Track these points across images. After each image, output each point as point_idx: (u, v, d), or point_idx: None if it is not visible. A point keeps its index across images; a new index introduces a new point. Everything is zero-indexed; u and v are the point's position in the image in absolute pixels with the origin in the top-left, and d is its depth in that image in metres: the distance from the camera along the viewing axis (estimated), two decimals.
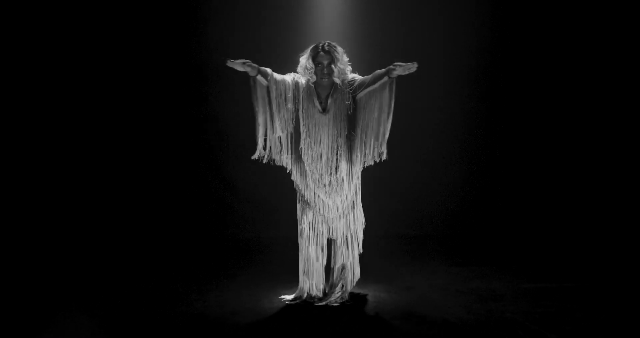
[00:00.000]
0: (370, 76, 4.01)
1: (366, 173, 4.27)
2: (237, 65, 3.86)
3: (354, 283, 4.27)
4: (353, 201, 4.18)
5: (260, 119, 3.99)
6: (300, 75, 4.06)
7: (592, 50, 6.43)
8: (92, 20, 6.28)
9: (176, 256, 5.67)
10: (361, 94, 4.02)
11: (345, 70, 4.02)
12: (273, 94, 3.96)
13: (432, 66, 6.08)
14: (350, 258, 4.21)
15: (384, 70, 3.94)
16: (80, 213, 6.36)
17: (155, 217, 6.46)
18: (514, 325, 3.71)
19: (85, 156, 6.41)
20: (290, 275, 4.29)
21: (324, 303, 4.14)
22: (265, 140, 4.03)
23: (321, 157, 4.06)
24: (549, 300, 4.22)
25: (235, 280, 4.80)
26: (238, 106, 5.95)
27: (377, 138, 4.00)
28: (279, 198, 6.04)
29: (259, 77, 3.93)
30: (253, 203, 6.59)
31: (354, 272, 4.24)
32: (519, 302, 4.18)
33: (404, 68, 3.83)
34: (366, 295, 4.37)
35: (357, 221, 4.21)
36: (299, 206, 4.21)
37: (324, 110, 4.03)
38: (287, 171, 4.23)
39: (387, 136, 4.00)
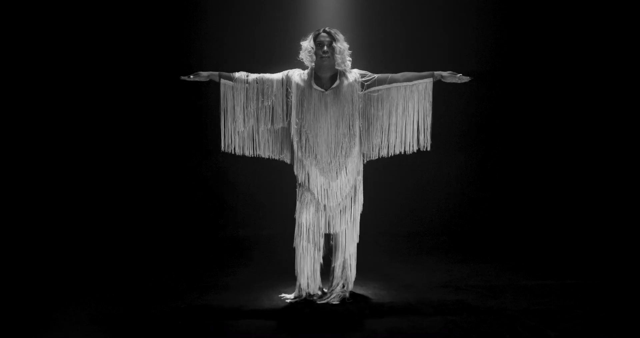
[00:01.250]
0: (398, 74, 4.15)
1: (366, 170, 4.27)
2: (195, 78, 4.16)
3: (351, 282, 4.25)
4: (352, 196, 4.18)
5: (222, 115, 4.18)
6: (303, 59, 4.13)
7: (593, 51, 6.44)
8: (93, 21, 6.28)
9: (175, 255, 5.67)
10: (381, 88, 4.12)
11: (346, 53, 4.10)
12: (239, 93, 4.14)
13: (433, 66, 6.08)
14: (349, 255, 4.20)
15: (425, 73, 4.13)
16: (81, 212, 6.36)
17: (154, 216, 6.46)
18: (513, 322, 3.71)
19: (84, 155, 6.41)
20: (290, 273, 4.28)
21: (324, 301, 4.14)
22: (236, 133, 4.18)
23: (326, 137, 4.06)
24: (548, 297, 4.22)
25: (234, 278, 4.80)
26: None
27: (419, 132, 4.17)
28: (278, 195, 6.03)
29: (223, 80, 4.15)
30: (252, 201, 6.59)
31: (351, 269, 4.22)
32: (518, 299, 4.18)
33: (460, 77, 4.07)
34: (366, 293, 4.36)
35: (356, 217, 4.20)
36: (298, 204, 4.19)
37: (326, 89, 4.07)
38: (289, 163, 4.25)
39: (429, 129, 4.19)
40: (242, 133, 4.18)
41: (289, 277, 4.32)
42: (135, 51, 6.39)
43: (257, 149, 4.23)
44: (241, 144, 4.20)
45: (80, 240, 6.06)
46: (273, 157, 4.28)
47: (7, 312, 3.97)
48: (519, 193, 6.63)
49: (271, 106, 4.15)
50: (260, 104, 4.15)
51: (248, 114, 4.15)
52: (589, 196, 6.50)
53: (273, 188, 6.29)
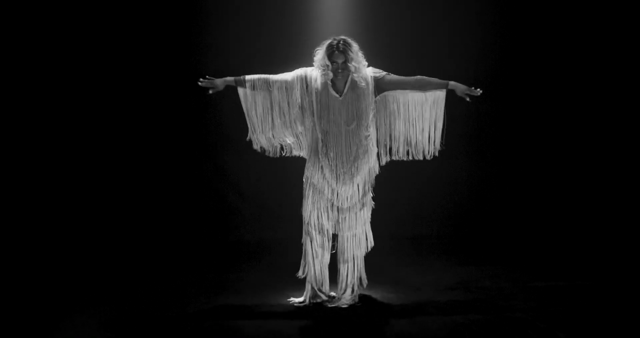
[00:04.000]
0: (411, 78, 4.14)
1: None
2: (210, 87, 4.18)
3: (364, 286, 4.25)
4: (363, 200, 4.17)
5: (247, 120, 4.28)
6: (317, 67, 4.11)
7: (594, 52, 6.44)
8: (97, 22, 6.31)
9: (182, 259, 5.67)
10: (395, 93, 4.16)
11: (360, 67, 4.08)
12: (250, 98, 4.21)
13: (436, 66, 6.08)
14: (357, 259, 4.19)
15: (439, 81, 4.14)
16: (85, 215, 6.36)
17: (160, 219, 6.46)
18: (523, 325, 3.69)
19: (89, 157, 6.41)
20: (296, 276, 4.27)
21: (334, 305, 4.13)
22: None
23: (341, 140, 4.06)
24: (558, 299, 4.20)
25: (242, 282, 4.80)
26: (241, 106, 5.95)
27: (428, 141, 4.23)
28: (283, 198, 6.03)
29: (239, 87, 4.21)
30: (258, 204, 6.58)
31: (361, 275, 4.22)
32: (528, 301, 4.16)
33: (471, 91, 4.06)
34: (374, 295, 4.35)
35: (366, 221, 4.20)
36: (305, 201, 4.16)
37: (341, 94, 4.07)
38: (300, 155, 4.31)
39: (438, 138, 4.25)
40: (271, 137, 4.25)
41: (297, 280, 4.31)
42: (139, 51, 6.40)
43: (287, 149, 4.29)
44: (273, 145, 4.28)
45: (88, 244, 6.06)
46: (300, 154, 4.31)
47: (15, 317, 3.98)
48: (528, 194, 6.60)
49: (298, 113, 4.17)
50: (287, 111, 4.17)
51: (275, 122, 4.20)
52: (600, 198, 6.46)
53: (279, 191, 6.28)
